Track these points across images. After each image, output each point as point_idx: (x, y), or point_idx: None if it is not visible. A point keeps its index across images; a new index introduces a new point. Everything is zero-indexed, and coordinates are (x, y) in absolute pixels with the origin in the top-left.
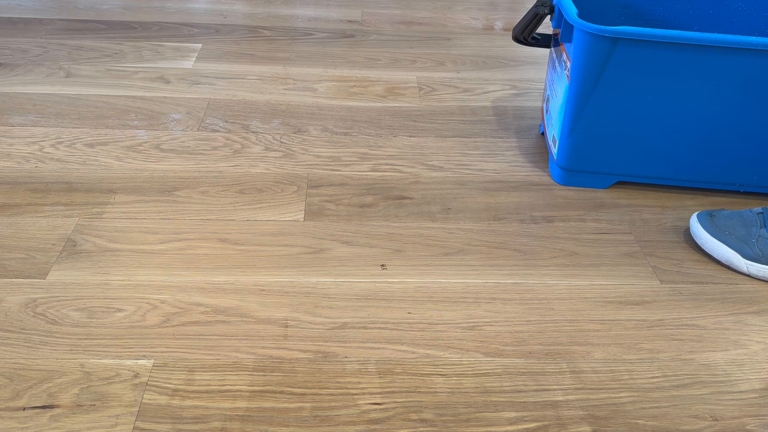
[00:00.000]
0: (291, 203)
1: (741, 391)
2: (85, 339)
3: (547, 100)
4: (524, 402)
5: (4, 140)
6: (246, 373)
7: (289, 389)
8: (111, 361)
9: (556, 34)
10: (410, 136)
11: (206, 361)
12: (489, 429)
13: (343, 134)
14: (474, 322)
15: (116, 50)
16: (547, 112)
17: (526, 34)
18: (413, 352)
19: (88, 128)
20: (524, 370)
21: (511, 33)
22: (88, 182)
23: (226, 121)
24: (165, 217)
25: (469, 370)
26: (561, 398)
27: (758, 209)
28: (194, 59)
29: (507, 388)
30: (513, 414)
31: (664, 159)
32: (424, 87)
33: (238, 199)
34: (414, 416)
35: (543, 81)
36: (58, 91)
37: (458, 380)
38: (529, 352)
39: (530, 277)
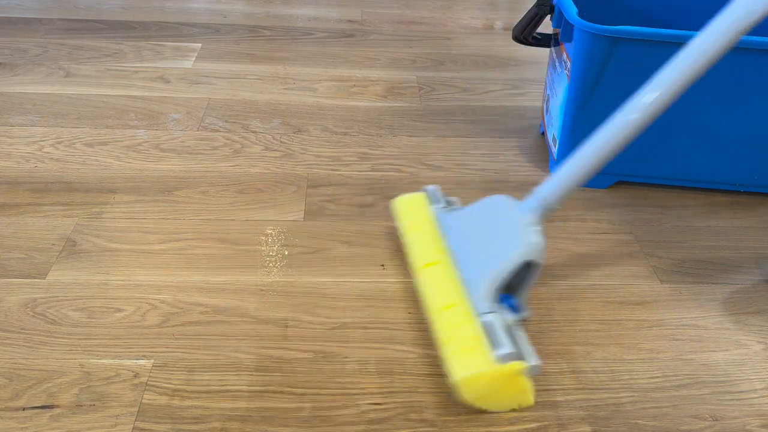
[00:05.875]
0: (291, 203)
1: (741, 391)
2: (85, 339)
3: (547, 100)
4: None
5: (4, 140)
6: (246, 373)
7: (289, 389)
8: (111, 361)
9: (556, 34)
10: (410, 136)
11: (206, 361)
12: (489, 429)
13: (343, 134)
14: None
15: (116, 50)
16: (547, 112)
17: (526, 33)
18: (413, 352)
19: (87, 128)
20: None
21: (511, 33)
22: (87, 182)
23: (226, 121)
24: (165, 217)
25: None
26: (561, 398)
27: None
28: (194, 59)
29: None
30: (513, 414)
31: (664, 159)
32: (424, 87)
33: (237, 199)
34: (414, 416)
35: (543, 81)
36: (57, 91)
37: None
38: None
39: None
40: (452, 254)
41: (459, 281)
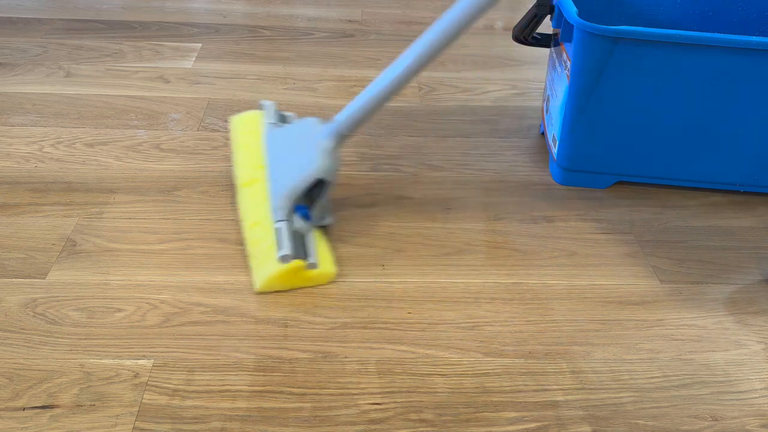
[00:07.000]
0: None
1: (741, 391)
2: (85, 339)
3: (547, 100)
4: (524, 402)
5: (3, 140)
6: (246, 373)
7: (289, 389)
8: (111, 361)
9: (556, 34)
10: (410, 136)
11: (206, 361)
12: (489, 429)
13: None
14: (474, 322)
15: (116, 50)
16: (547, 112)
17: (526, 33)
18: (413, 352)
19: (87, 128)
20: (524, 370)
21: (511, 33)
22: (87, 182)
23: (226, 121)
24: (165, 217)
25: (469, 370)
26: (561, 398)
27: None
28: (194, 59)
29: (507, 388)
30: (513, 414)
31: (664, 159)
32: (424, 87)
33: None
34: (414, 416)
35: (543, 81)
36: (57, 90)
37: (458, 380)
38: (529, 352)
39: (530, 277)
40: (269, 170)
41: (268, 196)
